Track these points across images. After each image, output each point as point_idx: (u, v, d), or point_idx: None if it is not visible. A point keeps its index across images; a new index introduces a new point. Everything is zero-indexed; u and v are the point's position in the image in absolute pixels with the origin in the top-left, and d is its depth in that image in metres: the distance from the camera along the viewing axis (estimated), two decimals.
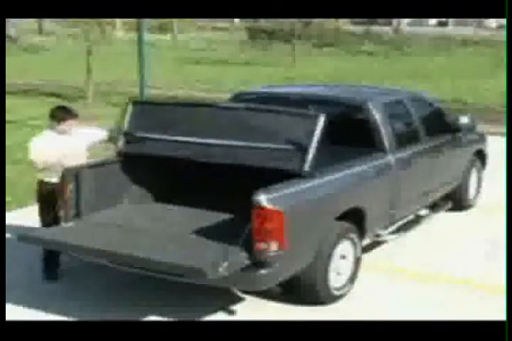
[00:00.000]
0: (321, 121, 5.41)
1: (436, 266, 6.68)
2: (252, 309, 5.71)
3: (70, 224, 5.81)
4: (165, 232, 5.66)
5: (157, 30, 40.41)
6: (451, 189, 8.12)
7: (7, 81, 12.90)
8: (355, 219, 5.95)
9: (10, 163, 9.08)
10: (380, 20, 43.11)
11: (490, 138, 9.19)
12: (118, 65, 25.36)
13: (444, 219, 8.08)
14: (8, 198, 7.52)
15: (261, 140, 5.59)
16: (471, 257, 6.93)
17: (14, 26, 32.86)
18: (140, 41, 11.91)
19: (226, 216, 5.93)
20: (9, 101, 12.90)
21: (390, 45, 34.54)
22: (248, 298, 5.86)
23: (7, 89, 12.85)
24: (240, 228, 5.15)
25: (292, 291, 5.71)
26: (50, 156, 5.88)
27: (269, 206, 4.99)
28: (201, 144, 5.84)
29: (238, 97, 7.60)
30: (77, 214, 5.86)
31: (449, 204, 8.16)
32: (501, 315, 5.05)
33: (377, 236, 6.68)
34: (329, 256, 5.61)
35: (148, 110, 6.23)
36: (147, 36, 12.85)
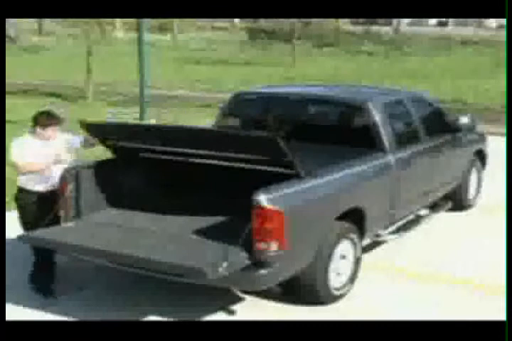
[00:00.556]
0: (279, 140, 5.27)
1: (436, 265, 6.68)
2: (252, 309, 5.71)
3: (70, 224, 5.82)
4: (165, 232, 5.66)
5: (157, 30, 40.41)
6: (451, 189, 8.13)
7: (7, 81, 12.89)
8: (355, 219, 5.95)
9: (10, 163, 9.06)
10: (380, 20, 43.11)
11: (490, 138, 9.19)
12: (118, 65, 25.37)
13: (444, 219, 8.08)
14: (8, 198, 7.51)
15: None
16: (471, 257, 6.94)
17: (13, 26, 32.84)
18: (140, 41, 11.95)
19: (226, 216, 5.92)
20: (9, 101, 12.90)
21: (390, 45, 34.56)
22: (248, 298, 5.86)
23: (7, 89, 12.84)
24: (240, 228, 5.15)
25: (292, 291, 5.71)
26: (37, 163, 5.72)
27: (269, 206, 4.99)
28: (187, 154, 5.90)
29: (238, 97, 7.61)
30: (77, 214, 5.86)
31: (449, 204, 8.16)
32: (501, 315, 5.05)
33: (377, 236, 6.68)
34: (329, 256, 5.61)
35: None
36: (147, 36, 12.88)
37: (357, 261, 6.03)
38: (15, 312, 5.50)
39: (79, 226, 5.77)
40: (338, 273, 5.78)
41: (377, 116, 6.63)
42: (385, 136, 6.58)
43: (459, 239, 7.53)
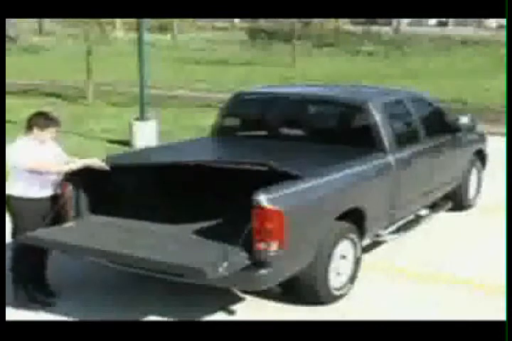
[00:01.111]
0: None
1: (436, 265, 6.68)
2: (252, 309, 5.71)
3: (70, 224, 5.81)
4: (165, 232, 5.66)
5: (157, 30, 40.40)
6: (451, 189, 8.12)
7: (7, 81, 12.89)
8: (355, 219, 5.94)
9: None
10: (380, 20, 43.07)
11: (490, 138, 9.19)
12: (118, 64, 25.36)
13: (444, 219, 8.09)
14: None
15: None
16: (471, 257, 6.94)
17: (13, 26, 32.83)
18: (140, 41, 11.92)
19: (226, 216, 5.92)
20: (9, 101, 12.90)
21: (390, 45, 34.52)
22: (248, 298, 5.86)
23: (7, 89, 12.85)
24: (240, 228, 5.15)
25: (292, 291, 5.71)
26: (52, 163, 5.61)
27: (269, 206, 4.99)
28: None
29: (238, 97, 7.61)
30: (77, 215, 5.86)
31: (449, 204, 8.16)
32: (501, 315, 5.05)
33: (377, 236, 6.68)
34: (329, 256, 5.61)
35: None
36: (147, 36, 12.85)
37: (357, 261, 6.03)
38: (15, 312, 5.50)
39: (79, 226, 5.77)
40: (338, 273, 5.78)
41: (377, 116, 6.63)
42: (385, 136, 6.58)
43: (459, 239, 7.53)
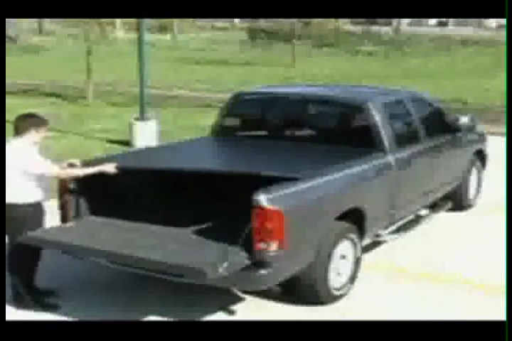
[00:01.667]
0: None
1: (436, 266, 6.68)
2: (252, 309, 5.71)
3: (70, 224, 5.81)
4: (165, 232, 5.66)
5: (157, 30, 40.40)
6: (451, 189, 8.12)
7: (7, 81, 12.89)
8: (355, 219, 5.94)
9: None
10: (380, 20, 43.06)
11: (490, 138, 9.19)
12: (118, 64, 25.36)
13: (444, 219, 8.08)
14: None
15: None
16: (471, 257, 6.94)
17: (13, 26, 32.82)
18: (140, 41, 11.92)
19: (225, 217, 5.92)
20: (9, 101, 12.88)
21: (390, 45, 34.52)
22: (248, 298, 5.86)
23: (7, 89, 12.85)
24: (240, 228, 5.15)
25: (292, 291, 5.71)
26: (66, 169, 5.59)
27: (269, 206, 4.99)
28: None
29: (238, 97, 7.61)
30: (77, 215, 5.86)
31: (449, 204, 8.16)
32: (501, 315, 5.05)
33: (377, 236, 6.68)
34: (329, 256, 5.61)
35: None
36: (147, 36, 12.85)
37: (357, 261, 6.03)
38: (15, 312, 5.50)
39: (79, 226, 5.77)
40: (338, 273, 5.78)
41: (377, 116, 6.63)
42: (385, 136, 6.58)
43: (459, 239, 7.53)
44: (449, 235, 7.65)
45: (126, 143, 12.08)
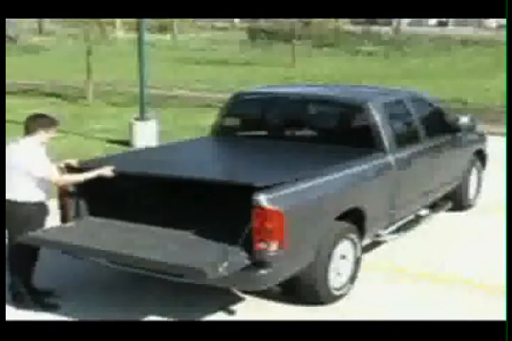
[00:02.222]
0: None
1: (436, 266, 6.68)
2: (252, 309, 5.71)
3: (70, 224, 5.81)
4: (165, 232, 5.66)
5: (157, 30, 40.41)
6: (451, 189, 8.12)
7: (7, 81, 12.89)
8: (355, 219, 5.94)
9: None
10: (380, 20, 43.08)
11: (490, 138, 9.19)
12: (118, 65, 25.37)
13: (444, 219, 8.08)
14: None
15: None
16: (471, 257, 6.94)
17: (13, 26, 32.82)
18: (140, 41, 11.93)
19: (226, 217, 5.92)
20: (9, 101, 12.89)
21: (390, 45, 34.52)
22: (248, 298, 5.86)
23: (7, 89, 12.85)
24: (240, 228, 5.15)
25: (292, 291, 5.71)
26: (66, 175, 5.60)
27: (268, 206, 4.99)
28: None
29: (238, 97, 7.61)
30: (77, 215, 5.86)
31: (449, 204, 8.16)
32: (501, 315, 5.05)
33: (377, 236, 6.68)
34: (329, 256, 5.61)
35: None
36: (147, 36, 12.86)
37: (357, 261, 6.03)
38: (15, 312, 5.50)
39: (79, 226, 5.77)
40: (338, 273, 5.78)
41: (377, 116, 6.63)
42: (385, 136, 6.58)
43: (459, 239, 7.53)
44: (449, 235, 7.65)
45: (126, 143, 12.08)
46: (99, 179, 5.66)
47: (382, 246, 7.03)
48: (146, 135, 11.78)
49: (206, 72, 25.25)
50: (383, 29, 39.79)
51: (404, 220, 7.23)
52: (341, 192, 5.83)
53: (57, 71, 24.52)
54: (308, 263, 5.45)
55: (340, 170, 5.89)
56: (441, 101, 11.00)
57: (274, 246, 5.02)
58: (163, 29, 41.69)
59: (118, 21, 40.43)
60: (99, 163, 5.93)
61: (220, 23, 48.02)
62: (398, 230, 7.03)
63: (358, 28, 40.21)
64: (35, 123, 5.49)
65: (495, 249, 6.99)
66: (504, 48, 12.04)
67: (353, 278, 5.99)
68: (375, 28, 39.39)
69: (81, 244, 5.39)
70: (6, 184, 5.47)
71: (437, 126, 7.71)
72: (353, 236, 5.93)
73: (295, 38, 28.65)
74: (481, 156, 8.79)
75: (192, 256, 5.06)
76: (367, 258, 6.49)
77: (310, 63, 27.83)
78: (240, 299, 5.85)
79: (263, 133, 7.29)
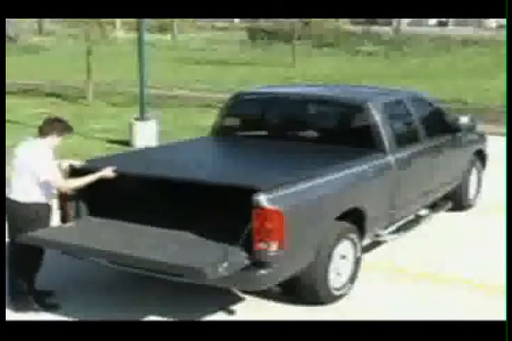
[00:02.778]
0: None
1: (436, 266, 6.68)
2: (252, 309, 5.71)
3: (70, 224, 5.81)
4: (165, 232, 5.66)
5: (157, 30, 40.41)
6: (451, 189, 8.12)
7: (7, 81, 12.89)
8: (355, 219, 5.94)
9: (10, 164, 9.06)
10: (380, 20, 43.11)
11: (490, 138, 9.19)
12: (118, 65, 25.37)
13: (444, 219, 8.08)
14: None
15: None
16: (471, 257, 6.93)
17: (13, 26, 32.83)
18: (140, 41, 11.93)
19: (226, 217, 5.91)
20: (9, 101, 12.90)
21: (390, 45, 34.54)
22: (248, 298, 5.86)
23: (7, 89, 12.84)
24: (240, 228, 5.15)
25: (292, 291, 5.71)
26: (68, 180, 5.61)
27: (269, 206, 4.99)
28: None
29: (238, 97, 7.61)
30: (77, 215, 5.86)
31: (449, 204, 8.16)
32: (501, 315, 5.05)
33: (377, 236, 6.68)
34: (329, 256, 5.61)
35: None
36: (147, 36, 12.86)
37: (357, 261, 6.03)
38: (15, 312, 5.50)
39: (79, 227, 5.77)
40: (338, 273, 5.78)
41: (377, 116, 6.63)
42: (385, 136, 6.58)
43: (459, 239, 7.53)
44: (449, 235, 7.65)
45: (126, 143, 12.08)
46: (100, 179, 5.66)
47: (382, 246, 7.03)
48: (146, 135, 11.78)
49: (206, 72, 25.26)
50: (383, 29, 39.82)
51: (404, 220, 7.23)
52: (341, 192, 5.83)
53: (57, 71, 24.53)
54: (309, 263, 5.45)
55: (340, 170, 5.89)
56: (441, 101, 11.01)
57: (274, 246, 5.02)
58: (163, 29, 41.71)
59: (118, 21, 40.39)
60: (101, 163, 5.93)
61: (220, 23, 48.04)
62: (398, 230, 7.03)
63: (358, 28, 40.24)
64: (50, 126, 5.53)
65: (495, 249, 6.99)
66: (504, 48, 12.04)
67: (353, 278, 5.99)
68: (375, 28, 39.42)
69: (81, 244, 5.38)
70: (9, 183, 5.50)
71: (437, 126, 7.71)
72: (353, 236, 5.93)
73: (295, 38, 28.67)
74: (481, 156, 8.79)
75: (192, 256, 5.06)
76: (367, 258, 6.49)
77: (310, 63, 27.85)
78: (239, 299, 5.85)
79: (263, 133, 7.29)
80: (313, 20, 36.45)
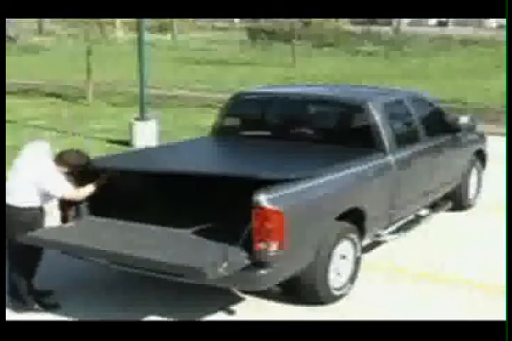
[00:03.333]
0: None
1: (437, 266, 6.68)
2: (252, 309, 5.71)
3: (70, 224, 5.81)
4: (165, 232, 5.66)
5: (157, 30, 40.41)
6: (451, 189, 8.12)
7: (7, 81, 12.89)
8: (355, 219, 5.94)
9: (10, 164, 9.06)
10: (380, 20, 43.09)
11: (490, 138, 9.19)
12: (118, 65, 25.37)
13: (444, 219, 8.08)
14: None
15: None
16: (471, 257, 6.93)
17: (12, 26, 32.83)
18: (140, 41, 11.93)
19: (225, 217, 5.92)
20: (9, 101, 12.89)
21: (390, 45, 34.52)
22: (248, 298, 5.86)
23: (7, 89, 12.84)
24: (240, 228, 5.15)
25: (292, 291, 5.71)
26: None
27: (269, 206, 4.99)
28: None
29: (238, 97, 7.61)
30: (77, 215, 5.86)
31: (449, 204, 8.16)
32: (501, 315, 5.05)
33: (377, 236, 6.68)
34: (329, 256, 5.61)
35: None
36: (147, 36, 12.87)
37: (357, 261, 6.03)
38: (15, 312, 5.50)
39: (79, 226, 5.77)
40: (338, 273, 5.78)
41: (377, 116, 6.63)
42: (385, 136, 6.58)
43: (459, 239, 7.53)
44: (449, 235, 7.65)
45: (126, 143, 12.08)
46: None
47: (382, 246, 7.03)
48: (146, 135, 11.78)
49: (206, 72, 25.25)
50: (383, 29, 39.80)
51: (404, 220, 7.23)
52: (341, 192, 5.83)
53: (57, 71, 24.52)
54: (308, 263, 5.45)
55: (340, 170, 5.89)
56: (441, 101, 11.01)
57: (274, 246, 5.02)
58: (163, 29, 41.70)
59: (118, 21, 40.44)
60: (101, 163, 5.94)
61: (220, 23, 48.03)
62: (398, 230, 7.03)
63: (358, 28, 40.22)
64: (67, 159, 5.56)
65: (495, 249, 6.99)
66: (504, 48, 12.04)
67: (353, 278, 5.99)
68: (375, 28, 39.40)
69: (81, 244, 5.38)
70: (7, 186, 5.50)
71: (437, 126, 7.71)
72: (353, 236, 5.93)
73: (295, 38, 28.65)
74: (481, 156, 8.79)
75: (192, 256, 5.06)
76: (367, 258, 6.49)
77: (310, 63, 27.84)
78: (239, 299, 5.85)
79: (263, 133, 7.28)
80: (313, 20, 36.52)
